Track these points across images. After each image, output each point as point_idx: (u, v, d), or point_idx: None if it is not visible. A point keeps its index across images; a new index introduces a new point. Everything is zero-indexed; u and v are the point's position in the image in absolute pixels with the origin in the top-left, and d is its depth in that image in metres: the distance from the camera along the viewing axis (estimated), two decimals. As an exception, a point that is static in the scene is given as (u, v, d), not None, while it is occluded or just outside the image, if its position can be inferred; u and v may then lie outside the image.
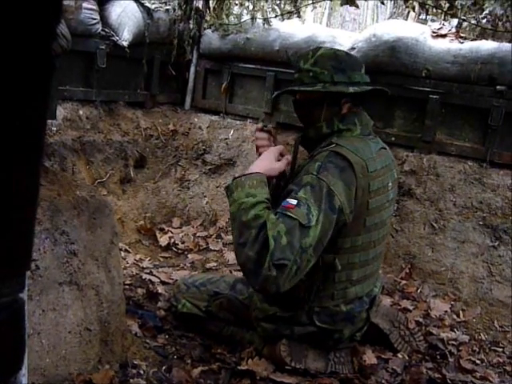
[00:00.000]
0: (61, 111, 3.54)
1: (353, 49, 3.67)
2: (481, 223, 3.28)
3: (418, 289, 3.23)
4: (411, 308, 2.99)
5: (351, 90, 2.14)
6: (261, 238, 1.93)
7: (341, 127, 2.19)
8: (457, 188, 3.38)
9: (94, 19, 3.66)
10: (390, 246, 3.38)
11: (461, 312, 3.04)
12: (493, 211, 3.25)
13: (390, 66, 3.58)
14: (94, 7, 3.67)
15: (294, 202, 1.96)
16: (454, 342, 2.70)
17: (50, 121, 3.24)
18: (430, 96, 3.48)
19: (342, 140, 2.14)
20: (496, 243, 3.21)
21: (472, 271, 3.22)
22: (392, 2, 4.50)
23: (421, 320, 2.87)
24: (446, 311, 3.01)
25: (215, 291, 2.50)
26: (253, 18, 4.15)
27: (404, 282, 3.27)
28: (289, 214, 1.94)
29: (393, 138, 3.59)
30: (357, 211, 2.06)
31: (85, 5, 3.56)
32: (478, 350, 2.70)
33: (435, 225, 3.39)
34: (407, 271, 3.34)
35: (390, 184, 2.24)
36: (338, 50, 2.36)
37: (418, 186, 3.49)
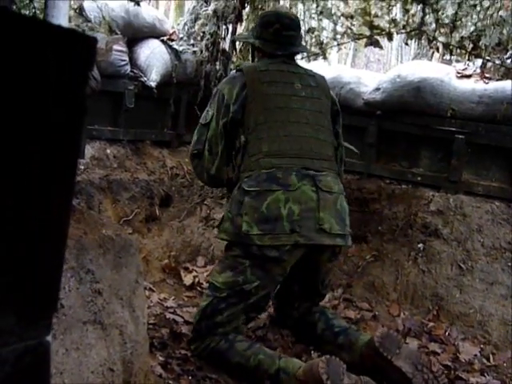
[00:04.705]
0: (89, 150, 3.60)
1: (378, 89, 3.69)
2: (509, 264, 3.22)
3: (446, 331, 3.15)
4: (439, 351, 2.92)
5: (251, 41, 2.84)
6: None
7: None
8: (484, 228, 3.33)
9: (124, 61, 3.75)
10: (417, 287, 3.32)
11: (491, 356, 2.95)
12: (521, 252, 3.19)
13: (414, 106, 3.58)
14: (124, 49, 3.76)
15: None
16: (484, 388, 2.63)
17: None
18: (456, 136, 3.47)
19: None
20: (525, 285, 3.14)
21: (501, 313, 3.14)
22: (416, 43, 4.52)
23: (449, 364, 2.80)
24: (475, 355, 2.93)
25: None
26: (278, 60, 4.20)
27: (431, 323, 3.20)
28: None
29: (419, 178, 3.57)
30: (250, 96, 2.58)
31: (115, 47, 3.65)
32: (509, 395, 2.63)
33: (463, 266, 3.33)
34: (434, 313, 3.27)
35: (299, 85, 2.67)
36: (276, 10, 3.06)
37: (445, 226, 3.45)
